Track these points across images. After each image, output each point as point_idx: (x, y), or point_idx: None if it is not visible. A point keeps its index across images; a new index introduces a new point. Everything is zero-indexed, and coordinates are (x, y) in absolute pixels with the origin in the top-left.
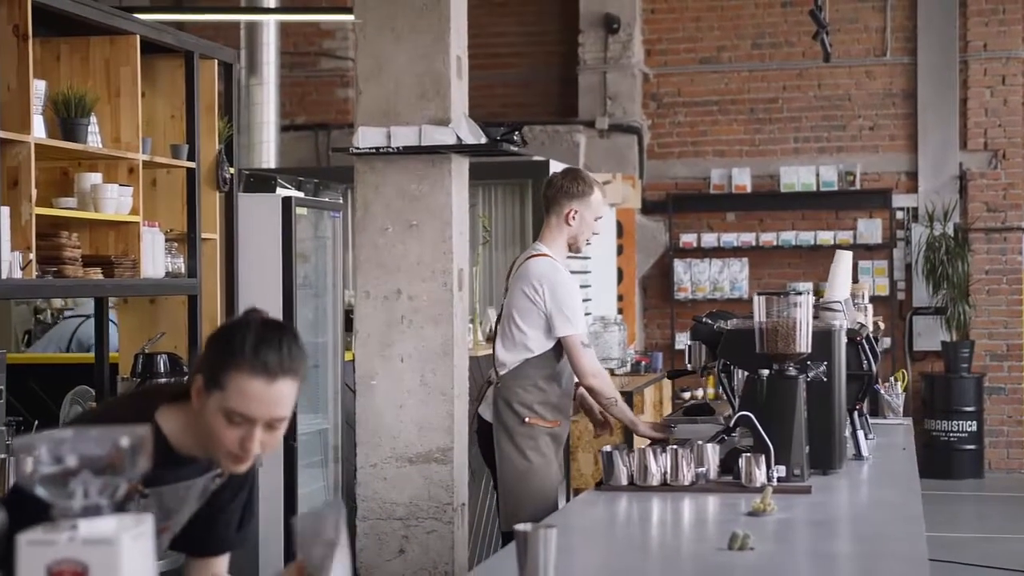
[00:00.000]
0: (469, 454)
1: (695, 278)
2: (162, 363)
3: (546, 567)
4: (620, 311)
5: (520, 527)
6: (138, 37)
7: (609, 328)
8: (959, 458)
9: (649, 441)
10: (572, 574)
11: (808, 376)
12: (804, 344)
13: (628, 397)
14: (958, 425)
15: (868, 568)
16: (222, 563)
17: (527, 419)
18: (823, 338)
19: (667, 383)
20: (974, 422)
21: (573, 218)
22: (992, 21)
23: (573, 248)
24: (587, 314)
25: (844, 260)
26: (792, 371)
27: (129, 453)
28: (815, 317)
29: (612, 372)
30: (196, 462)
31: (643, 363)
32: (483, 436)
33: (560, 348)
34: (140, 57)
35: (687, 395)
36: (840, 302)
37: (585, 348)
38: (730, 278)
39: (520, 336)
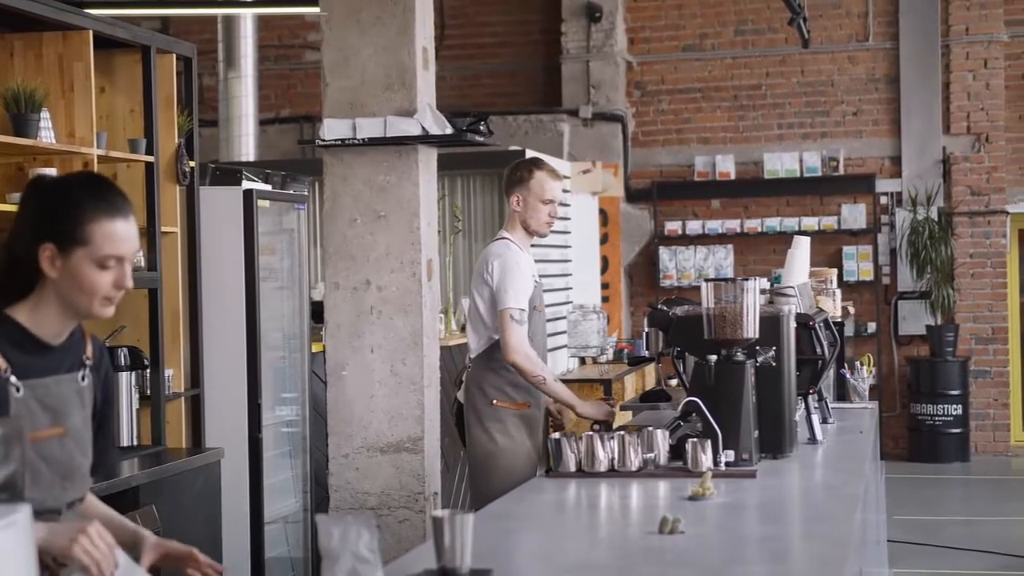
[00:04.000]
0: (442, 444)
1: (680, 265)
2: (123, 356)
3: (462, 551)
4: (606, 299)
5: (436, 513)
6: (91, 32)
7: (588, 317)
8: (945, 442)
9: (593, 423)
10: (491, 558)
11: (756, 361)
12: (752, 329)
13: (607, 385)
14: (944, 409)
15: (788, 548)
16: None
17: (494, 401)
18: (772, 323)
19: (651, 370)
20: (960, 405)
21: (519, 204)
22: (973, 5)
23: (531, 232)
24: (567, 303)
25: (801, 246)
26: (740, 356)
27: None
28: (770, 303)
29: (594, 360)
30: (55, 350)
31: (626, 351)
32: (460, 419)
33: (527, 332)
34: (98, 52)
35: (674, 382)
36: (793, 287)
37: (515, 323)
38: (715, 265)
39: (482, 318)
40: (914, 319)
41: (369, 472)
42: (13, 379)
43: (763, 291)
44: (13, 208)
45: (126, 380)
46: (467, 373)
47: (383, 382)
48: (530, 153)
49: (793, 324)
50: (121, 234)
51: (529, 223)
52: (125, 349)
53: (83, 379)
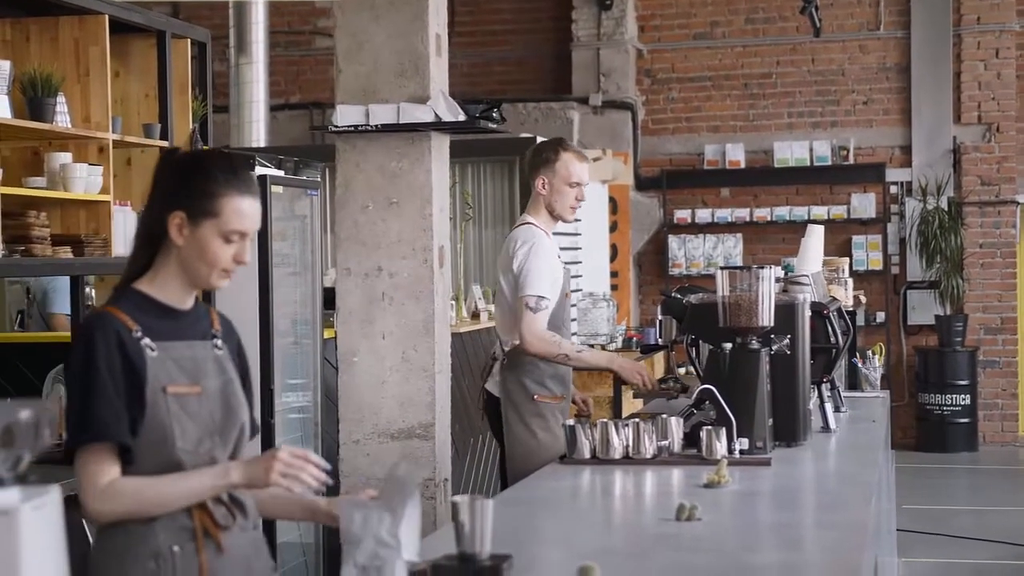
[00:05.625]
0: (452, 430)
1: (689, 254)
2: None
3: (482, 537)
4: (615, 287)
5: (455, 498)
6: (106, 17)
7: (598, 304)
8: (953, 431)
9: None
10: (510, 544)
11: (771, 349)
12: (767, 318)
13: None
14: (952, 399)
15: (805, 536)
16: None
17: (536, 396)
18: (786, 311)
19: (660, 358)
20: (968, 395)
21: (544, 186)
22: None
23: (555, 216)
24: (577, 290)
25: (815, 234)
26: (755, 344)
27: (30, 427)
28: (784, 291)
29: (603, 348)
30: (184, 316)
31: (635, 339)
32: (491, 411)
33: (557, 319)
34: (113, 37)
35: (683, 371)
36: (807, 276)
37: (529, 312)
38: (724, 254)
39: (512, 307)
40: (923, 309)
41: (380, 458)
42: (146, 340)
43: (777, 279)
44: (30, 191)
45: None
46: (501, 366)
47: (394, 368)
48: (541, 140)
49: (808, 313)
50: (248, 211)
51: (554, 207)
52: None
53: (216, 348)
